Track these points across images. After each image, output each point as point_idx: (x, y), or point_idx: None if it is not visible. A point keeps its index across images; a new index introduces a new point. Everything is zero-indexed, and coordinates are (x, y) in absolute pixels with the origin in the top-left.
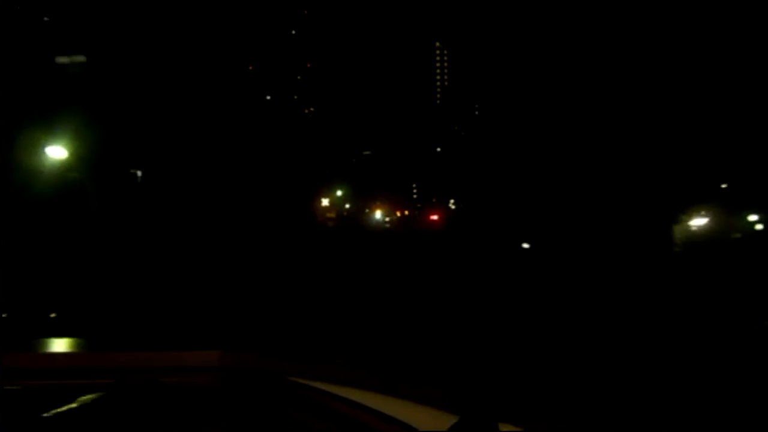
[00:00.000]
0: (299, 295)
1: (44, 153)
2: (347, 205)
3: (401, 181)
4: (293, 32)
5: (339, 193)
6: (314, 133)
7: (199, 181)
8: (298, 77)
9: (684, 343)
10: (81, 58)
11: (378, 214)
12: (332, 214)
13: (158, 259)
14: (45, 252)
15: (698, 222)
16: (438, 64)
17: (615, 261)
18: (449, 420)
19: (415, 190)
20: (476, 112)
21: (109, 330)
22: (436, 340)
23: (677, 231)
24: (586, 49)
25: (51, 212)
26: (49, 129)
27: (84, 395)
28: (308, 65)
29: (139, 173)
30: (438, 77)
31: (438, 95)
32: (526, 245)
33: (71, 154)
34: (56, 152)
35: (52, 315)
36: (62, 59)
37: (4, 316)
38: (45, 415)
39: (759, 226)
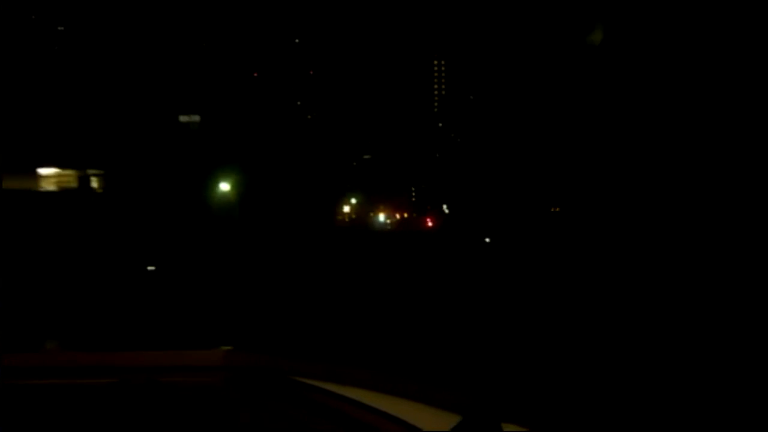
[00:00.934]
0: (314, 290)
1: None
2: (355, 210)
3: (401, 185)
4: (296, 41)
5: (353, 201)
6: (317, 137)
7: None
8: (301, 84)
9: None
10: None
11: (381, 217)
12: (345, 217)
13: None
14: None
15: None
16: (436, 75)
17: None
18: (453, 420)
19: (414, 194)
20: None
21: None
22: (436, 339)
23: None
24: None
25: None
26: None
27: (87, 395)
28: (311, 72)
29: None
30: (435, 87)
31: (435, 104)
32: (487, 239)
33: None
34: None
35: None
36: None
37: None
38: (49, 414)
39: None
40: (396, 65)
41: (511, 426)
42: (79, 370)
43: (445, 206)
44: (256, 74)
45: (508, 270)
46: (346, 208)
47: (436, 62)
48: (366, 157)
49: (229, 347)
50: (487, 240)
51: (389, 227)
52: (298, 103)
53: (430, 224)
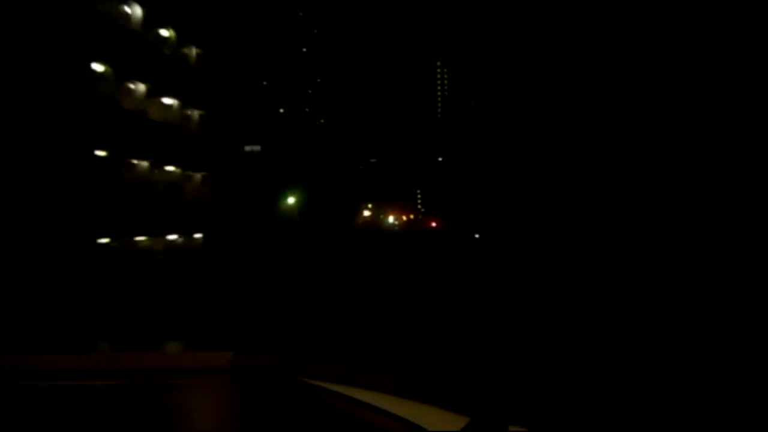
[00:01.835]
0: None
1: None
2: (369, 213)
3: (407, 188)
4: (304, 50)
5: (369, 205)
6: (325, 142)
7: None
8: (309, 91)
9: None
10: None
11: (391, 219)
12: (360, 220)
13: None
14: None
15: None
16: (439, 81)
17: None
18: (460, 422)
19: (419, 196)
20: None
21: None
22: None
23: None
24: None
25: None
26: None
27: (97, 397)
28: (319, 80)
29: None
30: (439, 93)
31: (439, 109)
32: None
33: None
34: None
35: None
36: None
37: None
38: (56, 417)
39: None
40: (401, 74)
41: (517, 428)
42: (91, 372)
43: (447, 210)
44: (265, 82)
45: (491, 263)
46: (366, 213)
47: (439, 71)
48: (372, 160)
49: (238, 348)
50: (477, 236)
51: (396, 228)
52: (307, 109)
53: (434, 225)
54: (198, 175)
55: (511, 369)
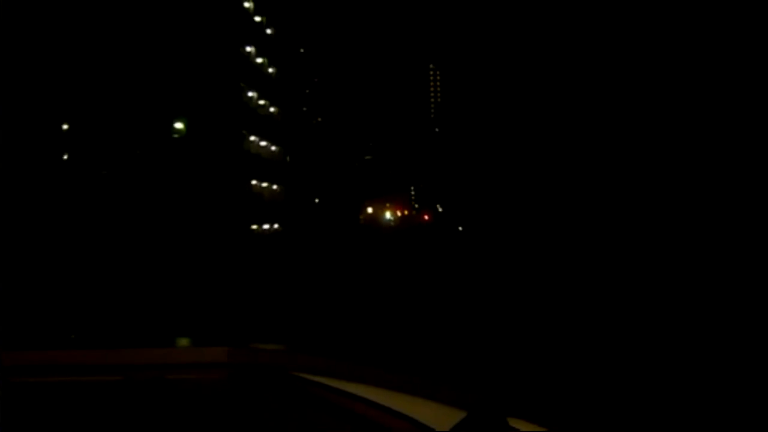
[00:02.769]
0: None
1: None
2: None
3: (401, 184)
4: (302, 50)
5: (370, 203)
6: (322, 140)
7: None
8: (307, 91)
9: None
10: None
11: (387, 215)
12: (363, 216)
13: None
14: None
15: None
16: (432, 83)
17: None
18: (458, 415)
19: (413, 193)
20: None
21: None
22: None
23: None
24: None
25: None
26: None
27: (93, 392)
28: (316, 80)
29: None
30: (432, 94)
31: (432, 109)
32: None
33: None
34: None
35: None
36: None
37: None
38: (52, 413)
39: None
40: (395, 75)
41: (517, 421)
42: (87, 367)
43: (438, 205)
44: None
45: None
46: (369, 209)
47: (431, 73)
48: (368, 157)
49: (231, 344)
50: (460, 228)
51: (392, 224)
52: (304, 108)
53: (426, 218)
54: (278, 187)
55: (506, 361)
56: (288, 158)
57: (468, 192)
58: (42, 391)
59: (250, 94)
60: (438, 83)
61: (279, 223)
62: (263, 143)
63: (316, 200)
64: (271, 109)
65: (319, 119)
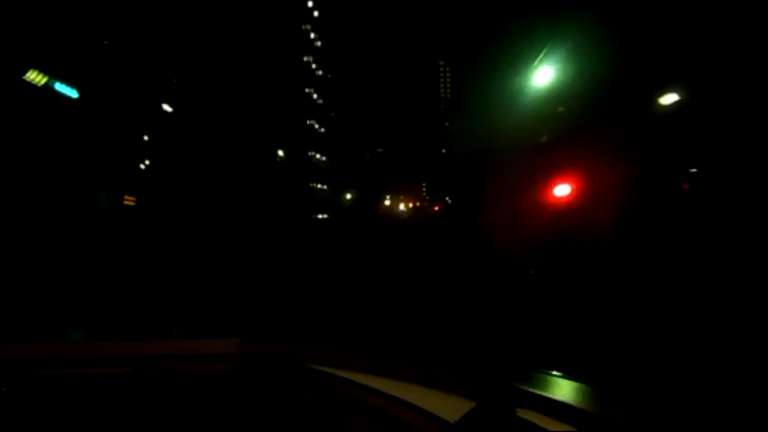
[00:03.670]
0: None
1: None
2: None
3: (414, 178)
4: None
5: (388, 196)
6: (337, 134)
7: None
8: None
9: None
10: None
11: (401, 206)
12: (382, 207)
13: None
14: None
15: None
16: (442, 80)
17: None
18: (467, 405)
19: (424, 185)
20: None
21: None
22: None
23: None
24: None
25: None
26: None
27: (102, 384)
28: (329, 77)
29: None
30: (442, 90)
31: (441, 105)
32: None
33: None
34: None
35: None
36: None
37: None
38: (63, 404)
39: None
40: (406, 71)
41: (526, 411)
42: (96, 359)
43: (447, 197)
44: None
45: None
46: (387, 202)
47: (441, 69)
48: (379, 150)
49: (243, 336)
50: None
51: (405, 215)
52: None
53: (436, 209)
54: (327, 187)
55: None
56: (331, 165)
57: (474, 184)
58: (49, 384)
59: (309, 122)
60: (447, 80)
61: (327, 214)
62: (317, 156)
63: (348, 196)
64: (321, 130)
65: (333, 114)
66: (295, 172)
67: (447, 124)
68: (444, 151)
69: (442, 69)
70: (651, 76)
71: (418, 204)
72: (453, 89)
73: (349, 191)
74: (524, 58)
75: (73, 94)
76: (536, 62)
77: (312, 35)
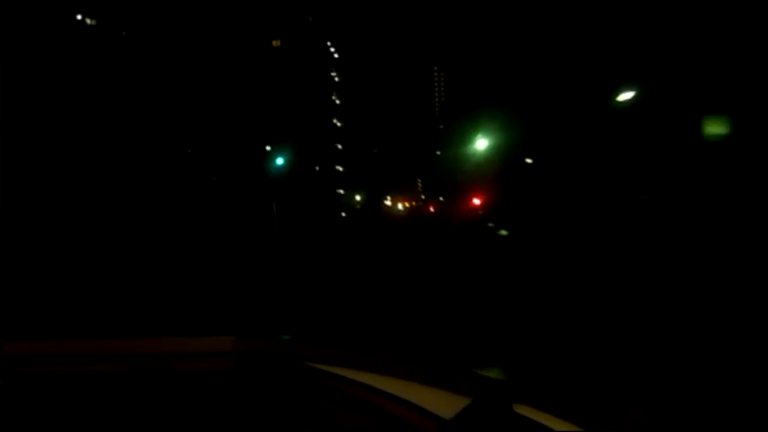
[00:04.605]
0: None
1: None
2: (390, 202)
3: (410, 178)
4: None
5: (389, 196)
6: (351, 149)
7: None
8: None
9: None
10: None
11: (399, 206)
12: (383, 207)
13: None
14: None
15: None
16: (436, 84)
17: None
18: (462, 402)
19: (420, 185)
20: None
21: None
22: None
23: None
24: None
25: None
26: None
27: (98, 381)
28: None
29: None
30: (436, 94)
31: (436, 108)
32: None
33: None
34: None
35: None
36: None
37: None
38: (58, 401)
39: None
40: (402, 76)
41: (522, 407)
42: (91, 357)
43: (441, 197)
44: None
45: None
46: (387, 202)
47: (436, 73)
48: (374, 151)
49: (238, 333)
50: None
51: (403, 213)
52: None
53: (432, 210)
54: (345, 191)
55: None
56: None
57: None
58: (44, 381)
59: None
60: (442, 84)
61: (345, 213)
62: (339, 168)
63: (357, 197)
64: (339, 146)
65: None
66: (326, 180)
67: (441, 126)
68: (438, 153)
69: (436, 74)
70: (529, 148)
71: (414, 203)
72: (447, 94)
73: (358, 193)
74: (471, 134)
75: None
76: (477, 136)
77: (333, 74)
